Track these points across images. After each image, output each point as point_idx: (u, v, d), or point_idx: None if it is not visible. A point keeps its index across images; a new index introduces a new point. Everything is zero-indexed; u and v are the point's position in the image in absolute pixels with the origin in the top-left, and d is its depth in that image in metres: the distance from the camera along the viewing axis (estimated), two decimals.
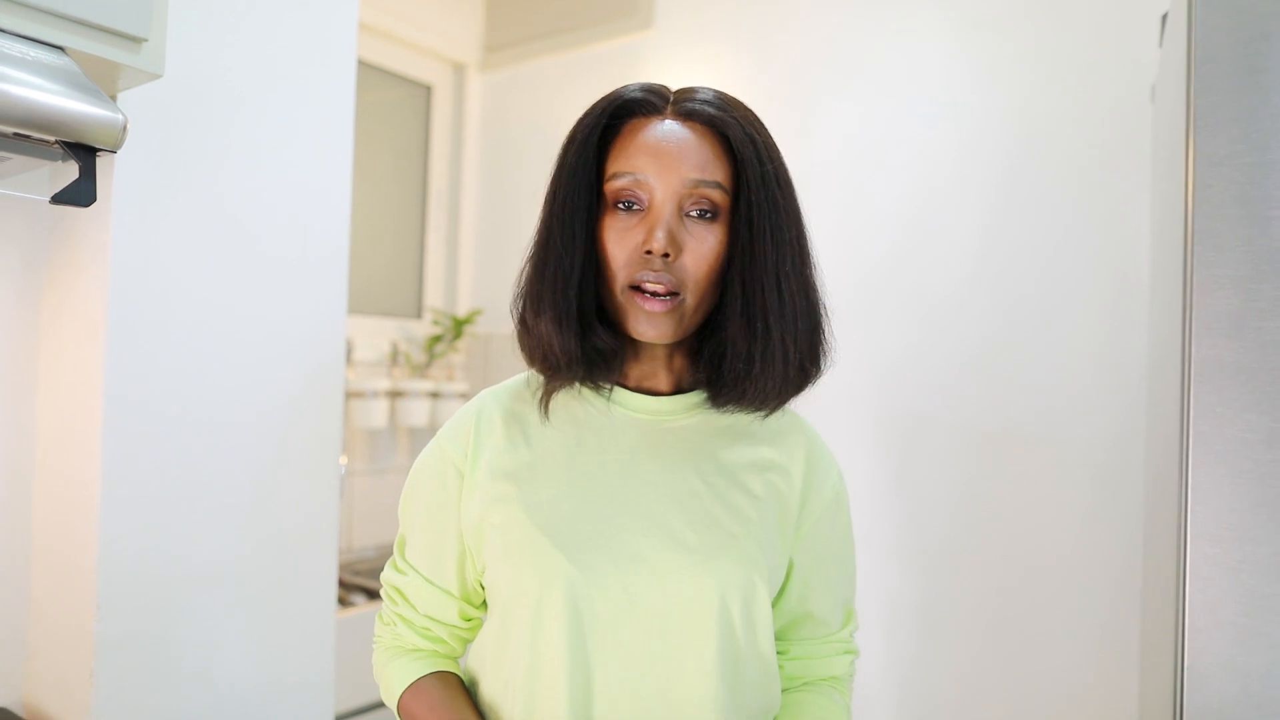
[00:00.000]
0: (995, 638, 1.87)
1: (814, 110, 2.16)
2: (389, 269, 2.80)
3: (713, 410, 0.89)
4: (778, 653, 0.94)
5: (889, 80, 2.06)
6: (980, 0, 1.94)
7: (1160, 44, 1.42)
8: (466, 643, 0.95)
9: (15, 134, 0.83)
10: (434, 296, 2.90)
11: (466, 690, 0.91)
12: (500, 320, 2.85)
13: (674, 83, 2.53)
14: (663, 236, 0.79)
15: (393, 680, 0.91)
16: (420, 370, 2.73)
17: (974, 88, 1.95)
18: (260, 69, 1.35)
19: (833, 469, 0.93)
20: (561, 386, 0.87)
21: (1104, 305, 1.78)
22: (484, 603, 0.93)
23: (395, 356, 2.65)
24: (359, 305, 2.60)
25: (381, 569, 2.47)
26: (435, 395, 2.68)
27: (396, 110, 2.82)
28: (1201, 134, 0.93)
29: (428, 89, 2.89)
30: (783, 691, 0.93)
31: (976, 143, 1.94)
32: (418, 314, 2.87)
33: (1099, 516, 1.77)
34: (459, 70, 2.93)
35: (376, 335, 2.67)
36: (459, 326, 2.79)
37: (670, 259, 0.80)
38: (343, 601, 2.26)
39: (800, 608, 0.93)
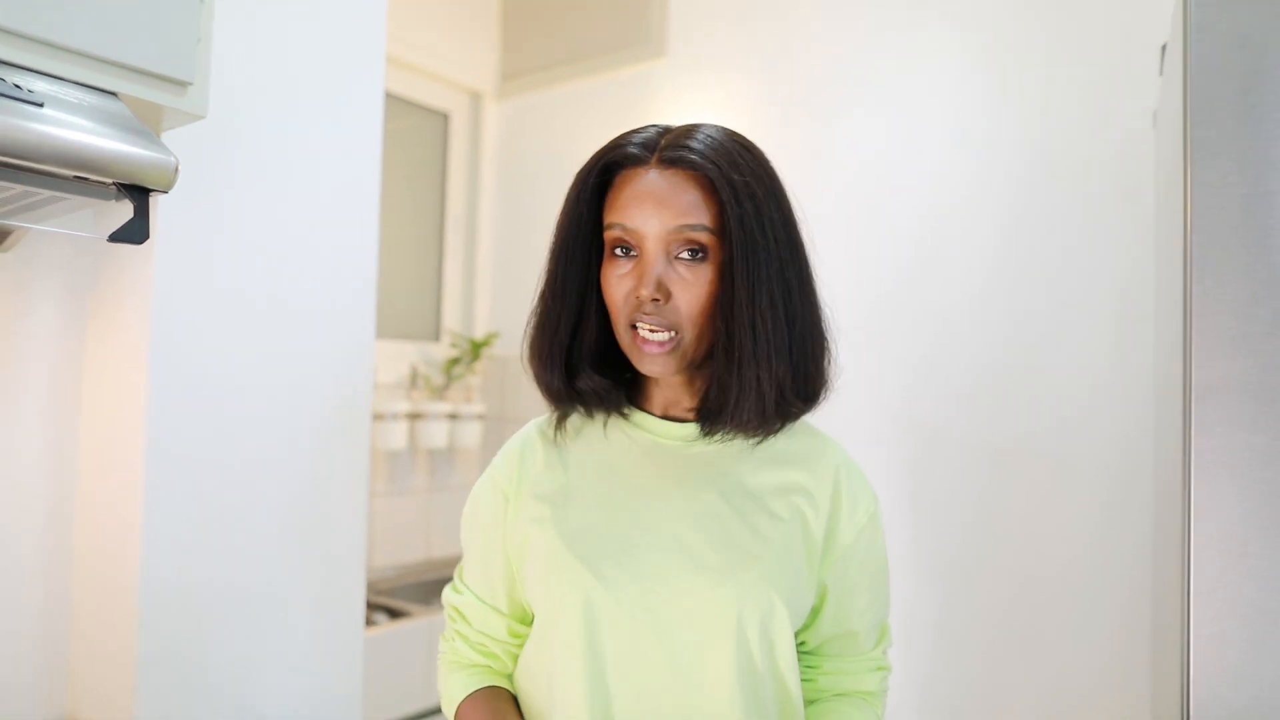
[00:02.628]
0: (1009, 649, 1.90)
1: (827, 133, 2.21)
2: (408, 293, 2.86)
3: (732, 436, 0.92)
4: (809, 667, 0.97)
5: (900, 103, 2.11)
6: (988, 25, 1.99)
7: (1160, 72, 1.46)
8: (518, 659, 1.00)
9: (75, 176, 0.89)
10: (452, 319, 2.96)
11: (518, 707, 0.96)
12: (517, 343, 2.88)
13: (687, 110, 2.54)
14: (651, 283, 0.83)
15: (452, 692, 0.97)
16: (439, 392, 2.78)
17: (984, 111, 1.99)
18: (291, 107, 1.41)
19: (866, 493, 0.96)
20: (564, 416, 0.96)
21: (1111, 323, 1.81)
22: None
23: (414, 379, 2.70)
24: (379, 329, 2.65)
25: (401, 589, 2.52)
26: (454, 417, 2.73)
27: (415, 138, 2.89)
28: (1198, 164, 0.97)
29: (445, 117, 2.95)
30: (814, 702, 0.96)
31: (987, 164, 1.98)
32: (436, 337, 2.92)
33: (1110, 529, 1.79)
34: (475, 98, 3.00)
35: (396, 358, 2.72)
36: (476, 349, 2.84)
37: (661, 302, 0.84)
38: (365, 620, 2.30)
39: (834, 629, 0.95)
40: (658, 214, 0.84)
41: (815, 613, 0.95)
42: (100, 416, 1.33)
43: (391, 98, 2.73)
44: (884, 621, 1.00)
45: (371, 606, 2.38)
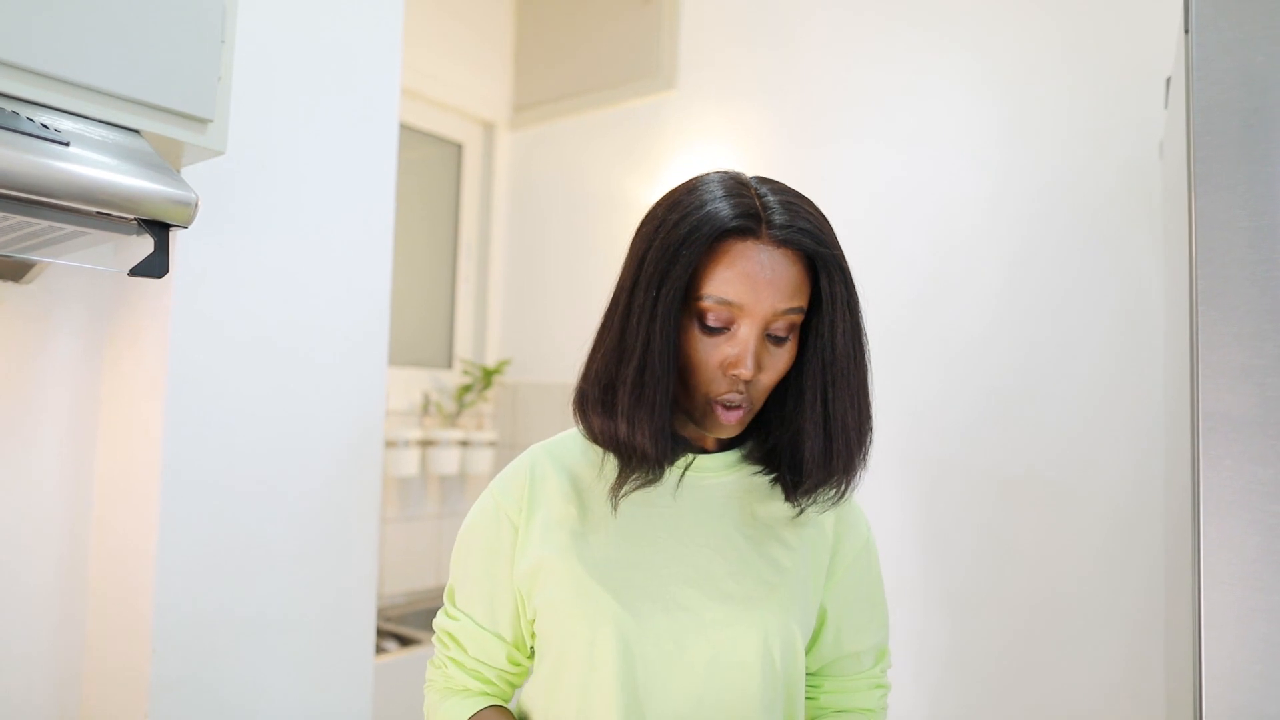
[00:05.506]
0: (1018, 679, 1.88)
1: (836, 164, 2.23)
2: (421, 320, 2.89)
3: (749, 467, 0.95)
4: (812, 687, 1.00)
5: (909, 134, 2.13)
6: (997, 55, 2.01)
7: (1166, 105, 1.47)
8: (514, 687, 1.00)
9: (98, 212, 0.91)
10: (464, 347, 2.98)
11: None
12: (528, 370, 2.91)
13: (697, 140, 2.54)
14: (751, 363, 0.83)
15: (448, 717, 0.95)
16: (451, 419, 2.80)
17: (993, 141, 2.01)
18: (307, 139, 1.44)
19: (861, 520, 1.00)
20: (640, 486, 0.88)
21: (1119, 353, 1.81)
22: (531, 651, 0.97)
23: (426, 406, 2.72)
24: (392, 356, 2.67)
25: (412, 616, 2.52)
26: (465, 444, 2.74)
27: (429, 167, 2.92)
28: (1201, 199, 0.98)
29: (458, 147, 2.99)
30: (817, 718, 0.99)
31: (997, 193, 1.99)
32: (448, 364, 2.94)
33: (1119, 560, 1.78)
34: (488, 129, 3.04)
35: (408, 385, 2.74)
36: (488, 376, 2.85)
37: (751, 380, 0.85)
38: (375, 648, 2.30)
39: (835, 651, 0.98)
40: (769, 298, 0.83)
41: (815, 636, 0.98)
42: (117, 444, 1.35)
43: (406, 128, 2.77)
44: (883, 644, 1.03)
45: (382, 634, 2.38)
